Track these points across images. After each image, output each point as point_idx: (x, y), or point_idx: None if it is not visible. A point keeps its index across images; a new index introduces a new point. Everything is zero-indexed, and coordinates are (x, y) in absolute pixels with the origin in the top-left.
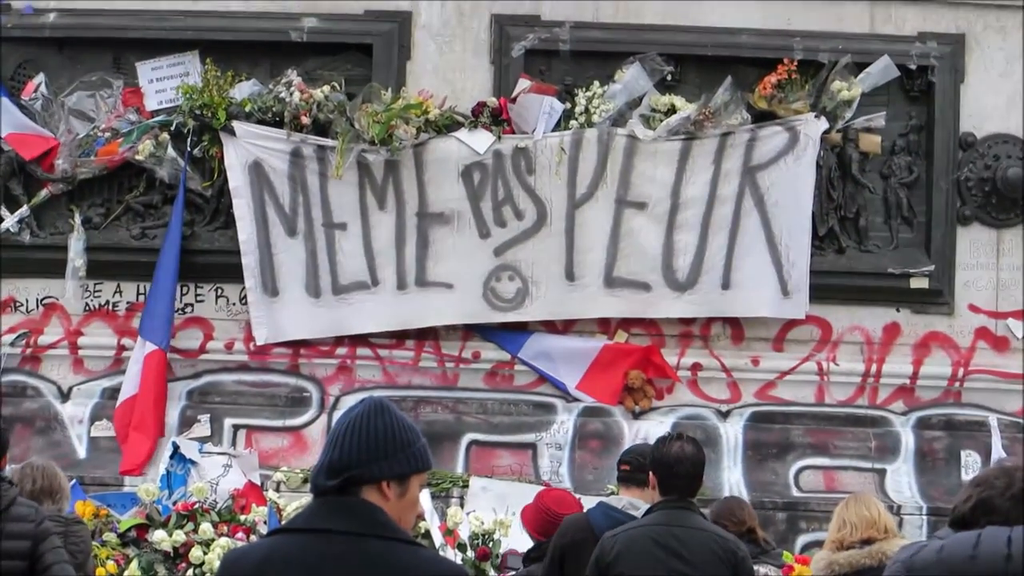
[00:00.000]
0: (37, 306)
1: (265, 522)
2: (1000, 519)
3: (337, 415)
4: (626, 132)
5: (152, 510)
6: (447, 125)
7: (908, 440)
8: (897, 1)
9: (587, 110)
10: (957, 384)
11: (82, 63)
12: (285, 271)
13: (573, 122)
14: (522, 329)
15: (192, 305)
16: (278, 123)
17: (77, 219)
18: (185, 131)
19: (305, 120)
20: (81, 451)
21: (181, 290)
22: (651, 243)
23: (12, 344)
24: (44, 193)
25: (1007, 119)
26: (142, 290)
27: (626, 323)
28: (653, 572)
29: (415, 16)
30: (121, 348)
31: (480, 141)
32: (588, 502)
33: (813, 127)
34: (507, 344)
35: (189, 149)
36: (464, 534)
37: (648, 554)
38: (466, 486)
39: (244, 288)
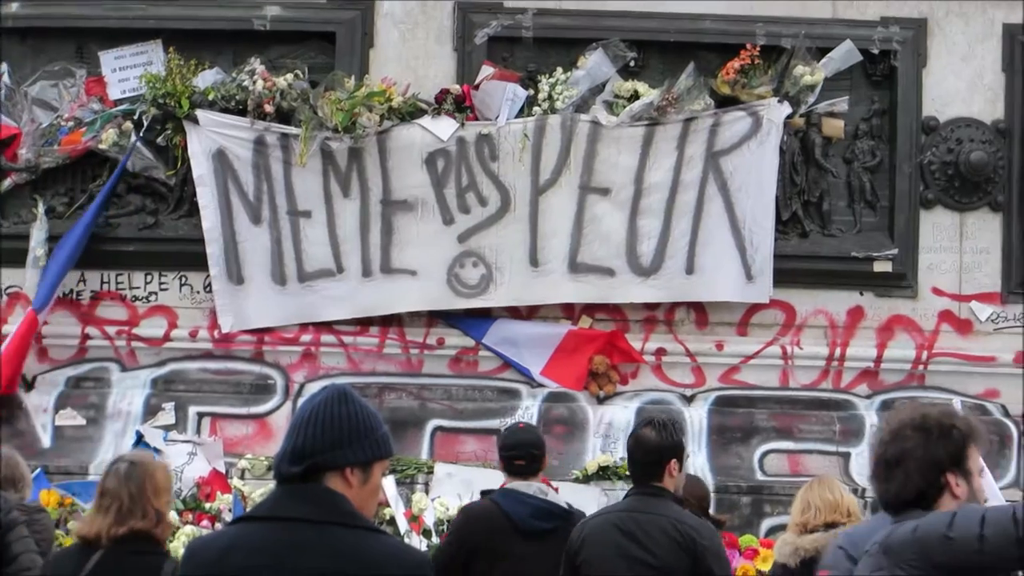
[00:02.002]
0: (1, 295)
1: (230, 510)
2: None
3: (301, 402)
4: (589, 118)
5: None
6: (410, 112)
7: (872, 423)
8: None
9: (550, 96)
10: (921, 367)
11: (45, 53)
12: (250, 259)
13: (536, 108)
14: (486, 315)
15: (156, 293)
16: (242, 111)
17: (40, 209)
18: (139, 118)
19: (268, 108)
20: (46, 440)
21: (145, 278)
22: (615, 229)
23: None
24: (7, 182)
25: (969, 103)
26: (106, 279)
27: (590, 308)
28: (612, 556)
29: (378, 4)
30: (85, 337)
31: (443, 128)
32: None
33: (776, 112)
34: (471, 330)
35: (139, 135)
36: (429, 520)
37: (609, 539)
38: (431, 472)
39: (208, 276)
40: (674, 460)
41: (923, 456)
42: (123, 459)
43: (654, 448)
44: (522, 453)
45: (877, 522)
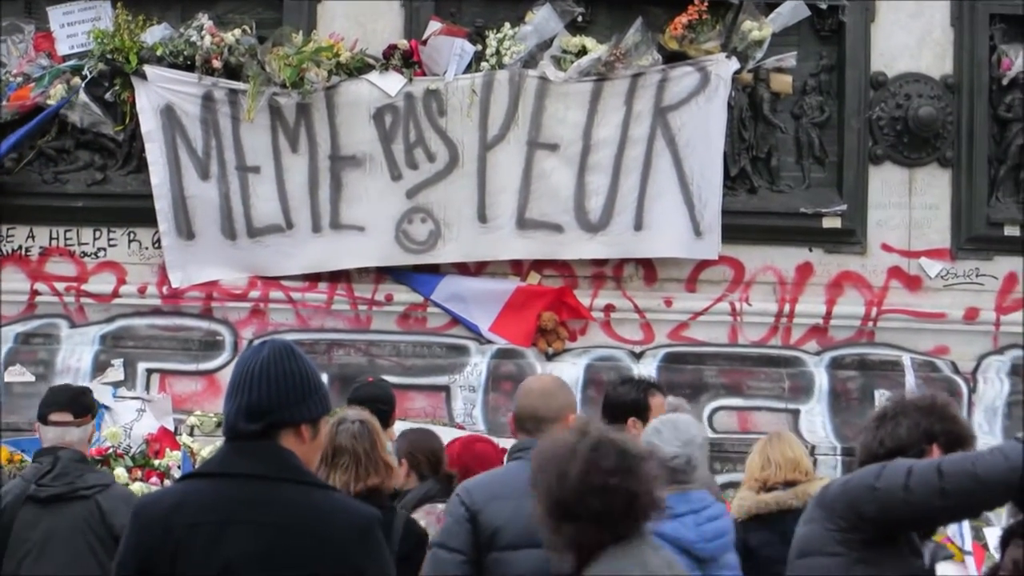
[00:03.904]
0: None
1: (179, 467)
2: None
3: (240, 357)
4: (537, 74)
5: None
6: (358, 68)
7: (822, 380)
8: None
9: (498, 52)
10: (870, 324)
11: None
12: (200, 215)
13: (484, 64)
14: (435, 271)
15: (105, 249)
16: (189, 67)
17: None
18: (87, 73)
19: (216, 64)
20: None
21: (94, 234)
22: (563, 185)
23: None
24: None
25: (918, 58)
26: (55, 235)
27: (539, 265)
28: None
29: None
30: (35, 293)
31: (391, 83)
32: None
33: (724, 67)
34: (420, 286)
35: (85, 78)
36: None
37: None
38: None
39: (157, 232)
40: (633, 417)
41: (918, 420)
42: (348, 418)
43: (610, 403)
44: (370, 408)
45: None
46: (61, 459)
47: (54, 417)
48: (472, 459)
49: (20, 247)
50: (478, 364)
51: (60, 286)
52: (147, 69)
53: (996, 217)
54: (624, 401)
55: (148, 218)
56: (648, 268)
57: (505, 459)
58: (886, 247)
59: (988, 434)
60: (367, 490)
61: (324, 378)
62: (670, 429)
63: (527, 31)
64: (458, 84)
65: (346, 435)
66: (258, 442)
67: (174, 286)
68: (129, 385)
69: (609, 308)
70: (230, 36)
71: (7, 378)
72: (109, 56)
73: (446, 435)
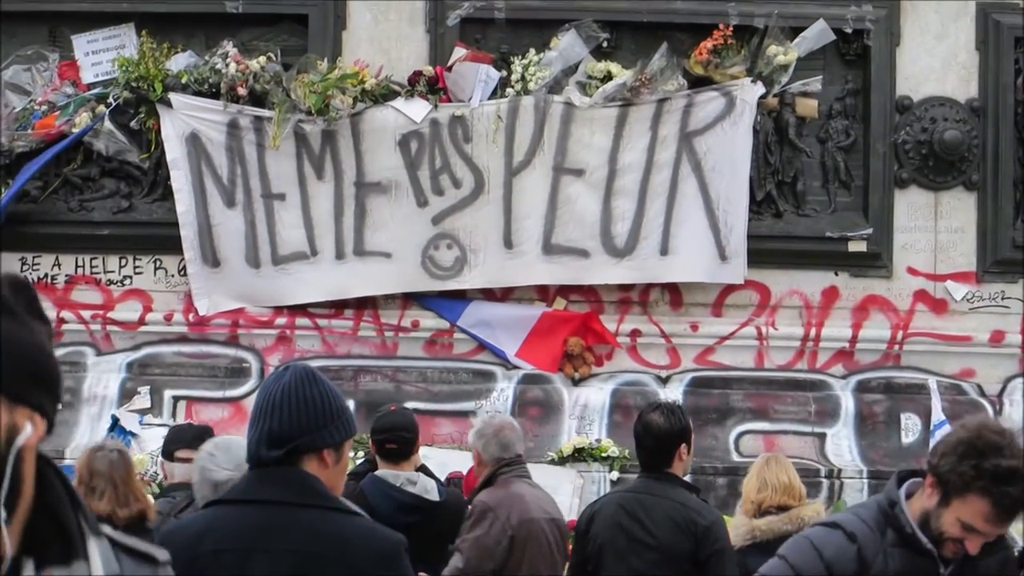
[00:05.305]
0: None
1: None
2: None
3: (264, 383)
4: (562, 99)
5: None
6: (383, 94)
7: (848, 404)
8: None
9: (523, 78)
10: (896, 347)
11: (18, 37)
12: (224, 242)
13: (509, 90)
14: (461, 297)
15: (131, 277)
16: (215, 94)
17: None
18: (112, 102)
19: (241, 91)
20: None
21: (120, 262)
22: (589, 210)
23: None
24: None
25: (943, 82)
26: (80, 263)
27: (565, 290)
28: (617, 536)
29: None
30: (60, 321)
31: (417, 110)
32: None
33: (749, 92)
34: (446, 312)
35: (110, 105)
36: None
37: (614, 520)
38: None
39: (183, 260)
40: (683, 444)
41: (939, 449)
42: (107, 447)
43: (664, 435)
44: (393, 437)
45: None
46: None
47: (180, 454)
48: None
49: (46, 275)
50: (504, 390)
51: (86, 314)
52: (172, 97)
53: (1022, 240)
54: (676, 430)
55: (174, 246)
56: (674, 293)
57: None
58: (912, 271)
59: None
60: (136, 515)
61: (350, 405)
62: (223, 452)
63: (552, 57)
64: (483, 110)
65: (103, 461)
66: (281, 468)
67: (200, 313)
68: (156, 412)
69: (635, 333)
70: (255, 63)
71: None
72: (134, 84)
73: (470, 462)
